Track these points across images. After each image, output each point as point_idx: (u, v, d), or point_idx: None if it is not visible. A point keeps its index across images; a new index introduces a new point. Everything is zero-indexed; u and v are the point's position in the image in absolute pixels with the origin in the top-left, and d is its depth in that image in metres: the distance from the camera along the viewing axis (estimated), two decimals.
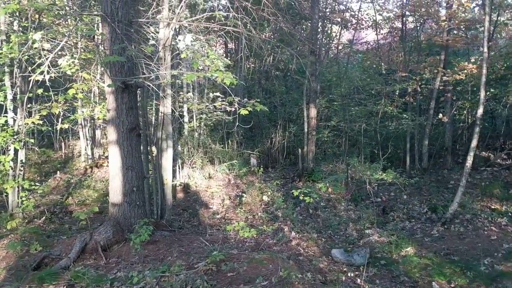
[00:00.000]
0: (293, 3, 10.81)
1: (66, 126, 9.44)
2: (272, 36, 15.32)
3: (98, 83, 8.61)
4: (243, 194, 10.86)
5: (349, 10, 15.32)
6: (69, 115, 9.25)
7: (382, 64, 14.12)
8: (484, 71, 8.39)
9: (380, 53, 14.36)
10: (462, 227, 8.58)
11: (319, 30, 15.04)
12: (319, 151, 14.25)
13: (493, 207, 9.80)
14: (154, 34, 8.29)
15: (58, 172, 12.02)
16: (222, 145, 13.68)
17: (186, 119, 12.47)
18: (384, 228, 8.85)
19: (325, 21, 15.22)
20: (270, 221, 9.38)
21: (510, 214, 9.19)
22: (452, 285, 6.22)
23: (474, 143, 8.58)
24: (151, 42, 8.14)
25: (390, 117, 12.58)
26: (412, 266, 6.91)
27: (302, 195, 8.69)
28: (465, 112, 13.57)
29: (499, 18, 13.40)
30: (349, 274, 6.46)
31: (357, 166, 11.14)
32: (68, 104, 10.20)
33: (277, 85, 16.31)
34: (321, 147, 14.45)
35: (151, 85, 6.81)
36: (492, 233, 8.15)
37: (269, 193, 10.62)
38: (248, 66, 16.51)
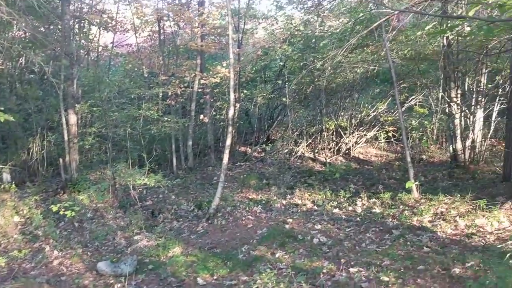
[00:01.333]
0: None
1: None
2: (23, 36, 13.78)
3: None
4: None
5: (106, 11, 14.87)
6: None
7: (144, 67, 14.18)
8: (232, 75, 9.21)
9: (142, 57, 14.37)
10: (224, 220, 9.24)
11: (76, 31, 14.19)
12: (85, 159, 13.47)
13: (250, 197, 10.85)
14: None
15: None
16: None
17: None
18: (153, 232, 8.87)
19: (82, 22, 14.44)
20: (29, 243, 8.44)
21: (263, 201, 10.31)
22: (215, 277, 6.62)
23: (228, 141, 9.34)
24: None
25: (154, 120, 12.74)
26: (179, 265, 7.09)
27: (63, 210, 8.06)
28: (224, 112, 14.68)
29: (245, 26, 14.93)
30: (115, 286, 6.28)
31: (124, 172, 10.89)
32: None
33: (32, 90, 14.76)
34: (86, 155, 13.68)
35: None
36: (249, 221, 8.99)
37: (26, 211, 9.54)
38: None
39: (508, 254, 4.58)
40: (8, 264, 7.00)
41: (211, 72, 13.03)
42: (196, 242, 8.26)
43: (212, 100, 14.20)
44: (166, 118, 12.73)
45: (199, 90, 13.44)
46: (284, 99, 14.75)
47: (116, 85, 13.01)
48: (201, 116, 13.02)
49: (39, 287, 5.57)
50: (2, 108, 7.03)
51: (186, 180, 12.33)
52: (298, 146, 14.53)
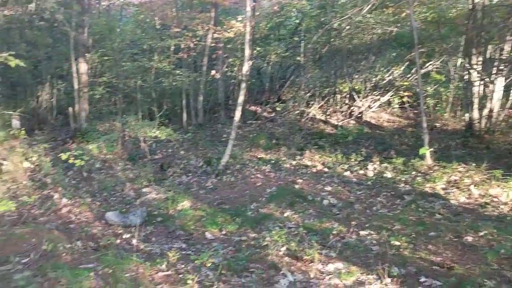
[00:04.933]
0: None
1: None
2: None
3: None
4: (3, 161, 9.46)
5: None
6: None
7: (156, 19, 13.80)
8: (248, 29, 8.90)
9: (154, 8, 13.97)
10: (233, 177, 9.17)
11: None
12: (94, 109, 13.39)
13: (259, 156, 10.75)
14: None
15: None
16: None
17: None
18: (162, 185, 8.83)
19: None
20: (38, 190, 8.42)
21: (272, 161, 10.21)
22: (223, 232, 6.59)
23: (241, 98, 9.14)
24: None
25: (165, 73, 12.50)
26: (187, 219, 7.06)
27: (72, 158, 8.00)
28: (235, 69, 14.40)
29: None
30: (124, 236, 6.27)
31: (134, 124, 10.80)
32: None
33: (42, 37, 14.50)
34: (96, 105, 13.58)
35: None
36: (258, 180, 8.92)
37: (35, 158, 9.51)
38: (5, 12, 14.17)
39: None
40: (18, 209, 6.99)
41: (225, 26, 12.65)
42: (205, 197, 8.22)
43: (224, 56, 13.88)
44: (178, 72, 12.48)
45: (212, 44, 13.09)
46: (298, 58, 14.40)
47: (128, 35, 12.71)
48: (212, 72, 12.72)
49: (49, 232, 5.55)
50: (13, 52, 6.84)
51: (195, 136, 12.22)
52: (309, 108, 14.29)
